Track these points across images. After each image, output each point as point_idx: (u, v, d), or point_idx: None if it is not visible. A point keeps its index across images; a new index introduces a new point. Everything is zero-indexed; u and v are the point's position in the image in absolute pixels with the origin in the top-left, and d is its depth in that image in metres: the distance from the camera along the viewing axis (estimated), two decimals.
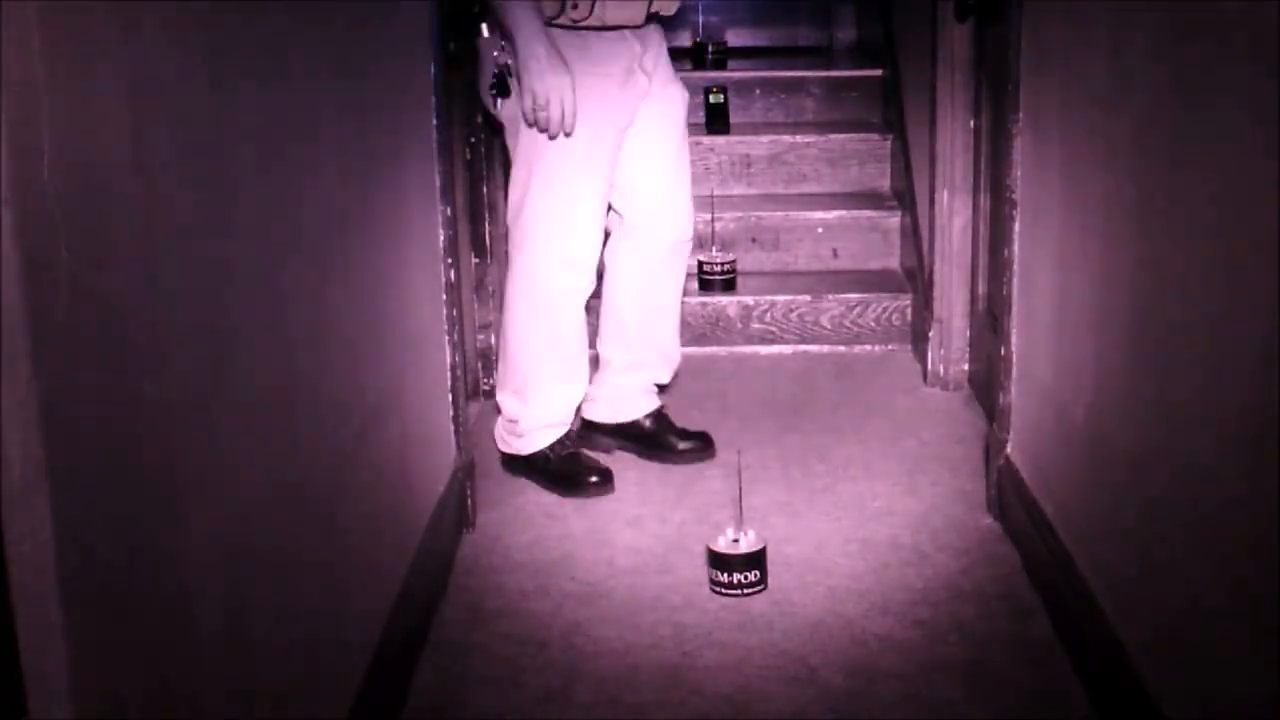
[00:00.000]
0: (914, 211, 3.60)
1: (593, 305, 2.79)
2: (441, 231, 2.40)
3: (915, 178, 3.58)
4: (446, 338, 2.44)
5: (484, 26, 2.55)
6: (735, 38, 4.86)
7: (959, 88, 3.14)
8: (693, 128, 4.11)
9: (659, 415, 2.90)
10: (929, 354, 3.32)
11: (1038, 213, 2.31)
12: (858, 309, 3.59)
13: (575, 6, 2.54)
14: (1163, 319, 1.70)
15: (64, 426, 0.94)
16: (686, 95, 2.80)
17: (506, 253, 2.78)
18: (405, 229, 2.15)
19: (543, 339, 2.70)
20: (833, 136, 3.98)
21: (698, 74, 4.36)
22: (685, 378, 3.41)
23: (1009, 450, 2.50)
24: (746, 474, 2.48)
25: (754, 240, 3.79)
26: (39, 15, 0.92)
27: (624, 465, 2.87)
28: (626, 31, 2.62)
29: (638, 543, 2.52)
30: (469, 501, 2.56)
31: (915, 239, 3.57)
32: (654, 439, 2.88)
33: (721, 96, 4.09)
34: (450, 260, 2.42)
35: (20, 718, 0.90)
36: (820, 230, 3.78)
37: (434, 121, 2.35)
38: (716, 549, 2.32)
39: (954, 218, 3.23)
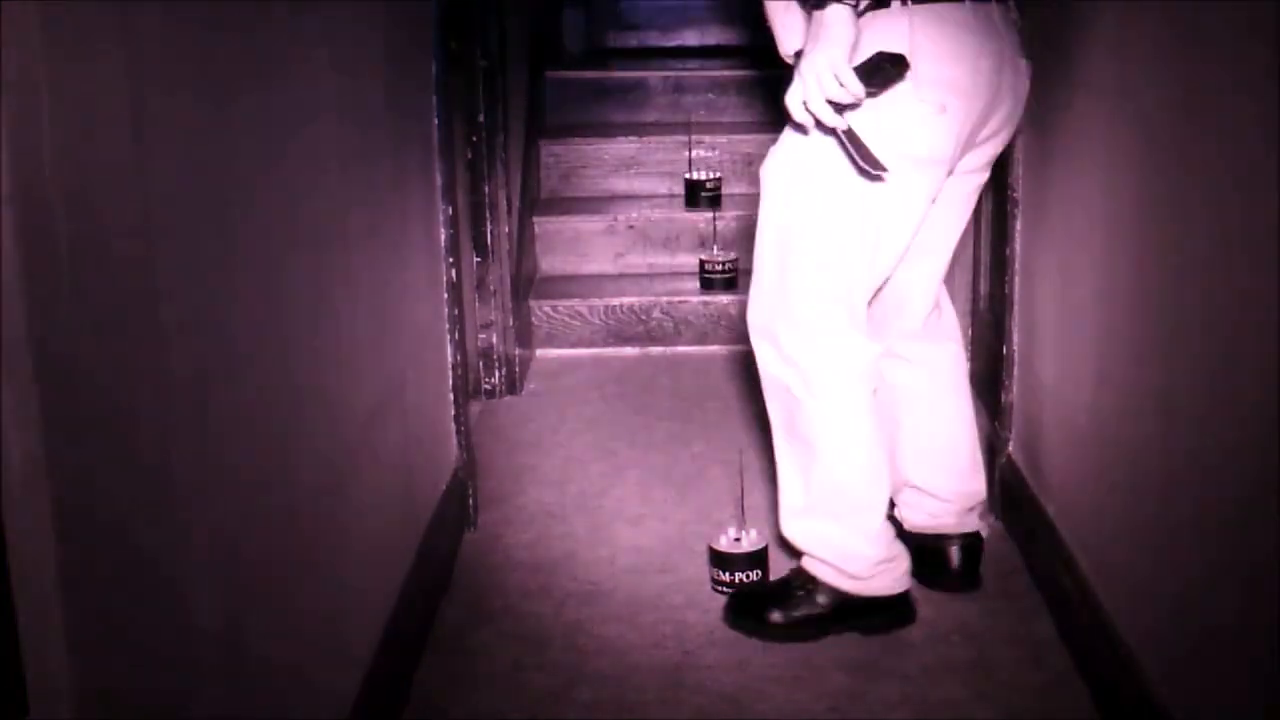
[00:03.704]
0: None
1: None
2: (443, 231, 2.40)
3: None
4: (448, 337, 2.44)
5: None
6: (737, 37, 4.86)
7: None
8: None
9: None
10: None
11: (1039, 211, 2.31)
12: None
13: None
14: (1165, 318, 1.70)
15: (64, 426, 0.94)
16: None
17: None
18: (407, 228, 2.15)
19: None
20: None
21: (699, 74, 4.36)
22: (688, 376, 3.41)
23: (1010, 449, 2.50)
24: (748, 473, 2.48)
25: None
26: (39, 15, 0.92)
27: (625, 463, 2.87)
28: None
29: (639, 542, 2.52)
30: (470, 501, 2.56)
31: None
32: None
33: None
34: (452, 259, 2.42)
35: (22, 717, 0.90)
36: None
37: (435, 121, 2.35)
38: (718, 548, 2.31)
39: None
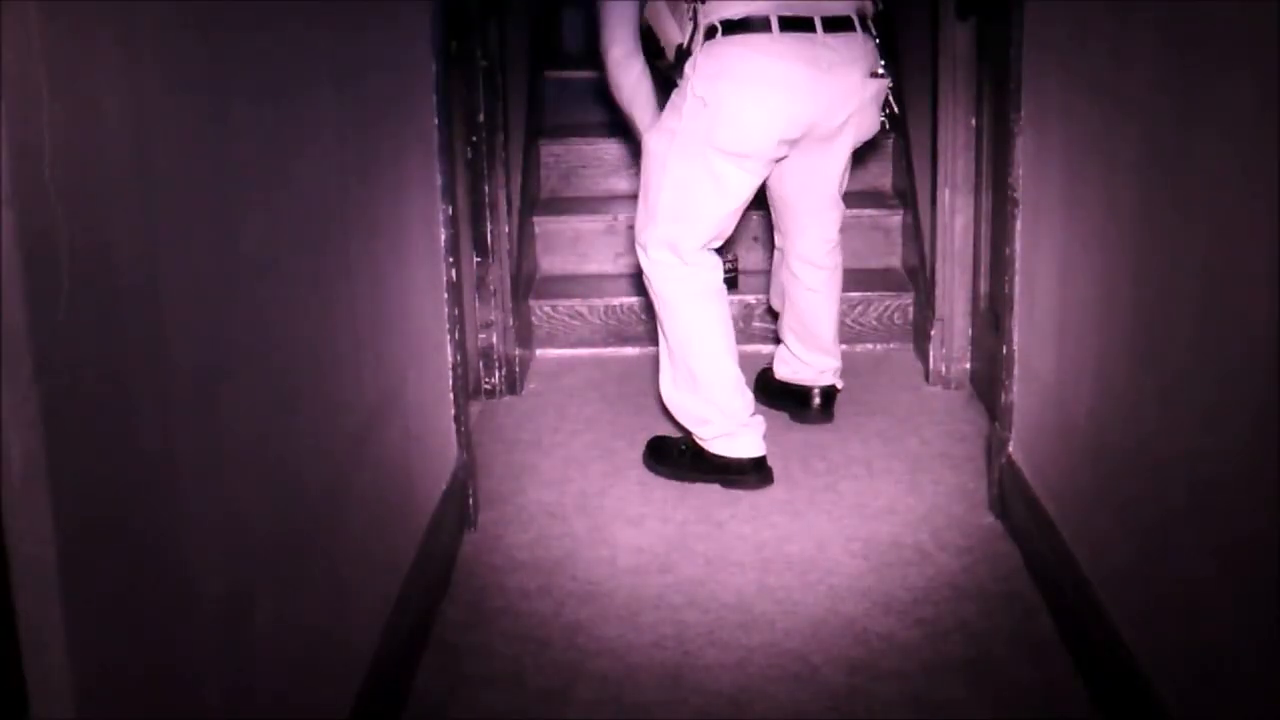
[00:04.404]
0: (915, 210, 3.59)
1: None
2: (443, 230, 2.40)
3: (917, 176, 3.58)
4: (448, 337, 2.44)
5: None
6: None
7: (961, 86, 3.14)
8: None
9: None
10: (930, 352, 3.32)
11: (1039, 211, 2.31)
12: (859, 307, 3.59)
13: None
14: (1165, 317, 1.70)
15: (64, 426, 0.94)
16: None
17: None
18: (407, 228, 2.15)
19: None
20: None
21: None
22: None
23: (1010, 449, 2.50)
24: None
25: (756, 239, 3.80)
26: (39, 15, 0.92)
27: (625, 464, 2.87)
28: None
29: (639, 542, 2.52)
30: (470, 501, 2.56)
31: (917, 238, 3.57)
32: None
33: None
34: (452, 259, 2.42)
35: (23, 717, 0.90)
36: None
37: (435, 121, 2.35)
38: None
39: (955, 216, 3.23)
